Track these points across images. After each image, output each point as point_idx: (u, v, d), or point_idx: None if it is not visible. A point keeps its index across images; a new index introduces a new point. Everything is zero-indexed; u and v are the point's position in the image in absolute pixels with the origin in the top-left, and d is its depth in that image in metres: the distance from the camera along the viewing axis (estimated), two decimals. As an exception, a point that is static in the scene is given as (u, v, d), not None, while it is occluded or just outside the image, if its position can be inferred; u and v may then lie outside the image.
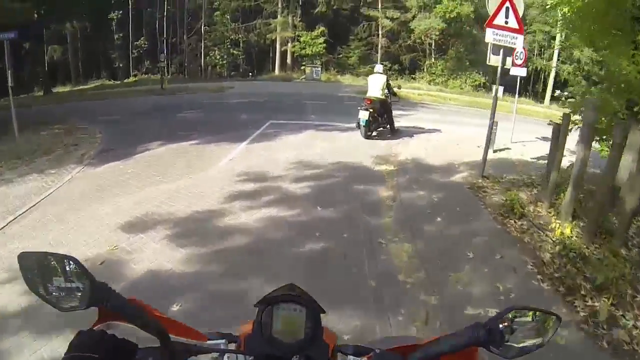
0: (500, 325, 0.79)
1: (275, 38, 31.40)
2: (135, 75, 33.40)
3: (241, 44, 33.82)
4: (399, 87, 11.71)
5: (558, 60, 28.59)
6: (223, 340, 0.99)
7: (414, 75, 30.17)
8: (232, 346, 0.99)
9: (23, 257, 0.78)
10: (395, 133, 10.62)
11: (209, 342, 0.98)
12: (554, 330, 0.80)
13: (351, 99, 17.61)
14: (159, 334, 0.81)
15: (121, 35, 33.20)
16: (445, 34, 29.29)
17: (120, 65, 35.20)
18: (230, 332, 1.01)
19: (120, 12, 32.22)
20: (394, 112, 10.79)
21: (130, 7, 31.58)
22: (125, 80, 31.09)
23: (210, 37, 32.65)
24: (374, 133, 10.22)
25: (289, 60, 31.14)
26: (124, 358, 0.80)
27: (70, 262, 0.78)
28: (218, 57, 32.41)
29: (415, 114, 14.01)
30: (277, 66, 31.16)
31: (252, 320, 0.97)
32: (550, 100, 28.75)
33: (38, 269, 0.80)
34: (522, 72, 10.26)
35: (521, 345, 0.79)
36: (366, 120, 9.62)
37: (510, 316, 0.80)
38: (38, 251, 0.80)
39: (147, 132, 10.49)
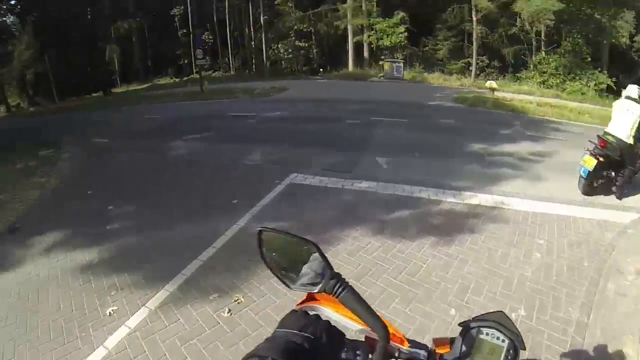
0: None
1: (347, 27, 26.02)
2: (197, 72, 32.30)
3: (313, 36, 29.42)
4: None
5: None
6: (422, 351, 0.96)
7: (518, 74, 23.67)
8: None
9: (263, 232, 0.89)
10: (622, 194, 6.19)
11: (410, 349, 0.96)
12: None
13: (448, 114, 11.91)
14: (382, 331, 0.82)
15: (184, 31, 31.61)
16: (558, 19, 21.80)
17: (185, 62, 34.13)
18: (426, 344, 0.97)
19: (182, 7, 31.05)
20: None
21: (188, 1, 29.30)
22: (185, 79, 30.00)
23: (273, 28, 28.32)
24: (599, 182, 6.24)
25: (366, 54, 25.88)
26: (334, 344, 0.86)
27: (311, 246, 0.85)
28: (282, 50, 28.31)
29: (557, 149, 8.35)
30: (351, 61, 25.96)
31: (449, 337, 0.96)
32: None
33: (276, 246, 0.90)
34: None
35: None
36: (588, 172, 5.92)
37: None
38: (279, 230, 0.90)
39: (90, 190, 6.80)
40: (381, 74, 21.18)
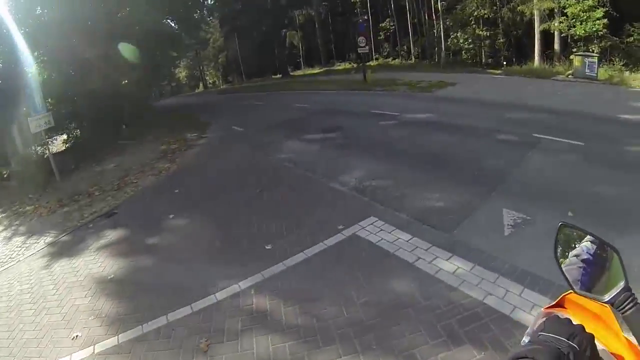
0: None
1: (533, 13, 21.50)
2: (377, 59, 33.18)
3: (500, 24, 26.01)
4: None
5: None
6: None
7: None
8: None
9: (563, 227, 0.90)
10: None
11: None
12: None
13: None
14: None
15: (366, 17, 32.15)
16: None
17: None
18: None
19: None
20: None
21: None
22: (361, 64, 30.20)
23: (453, 16, 26.00)
24: None
25: (556, 46, 21.22)
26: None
27: (611, 251, 0.84)
28: (462, 40, 25.79)
29: None
30: (537, 54, 21.74)
31: None
32: None
33: (571, 242, 0.89)
34: None
35: None
36: None
37: None
38: (581, 228, 0.89)
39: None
40: (569, 72, 17.16)
